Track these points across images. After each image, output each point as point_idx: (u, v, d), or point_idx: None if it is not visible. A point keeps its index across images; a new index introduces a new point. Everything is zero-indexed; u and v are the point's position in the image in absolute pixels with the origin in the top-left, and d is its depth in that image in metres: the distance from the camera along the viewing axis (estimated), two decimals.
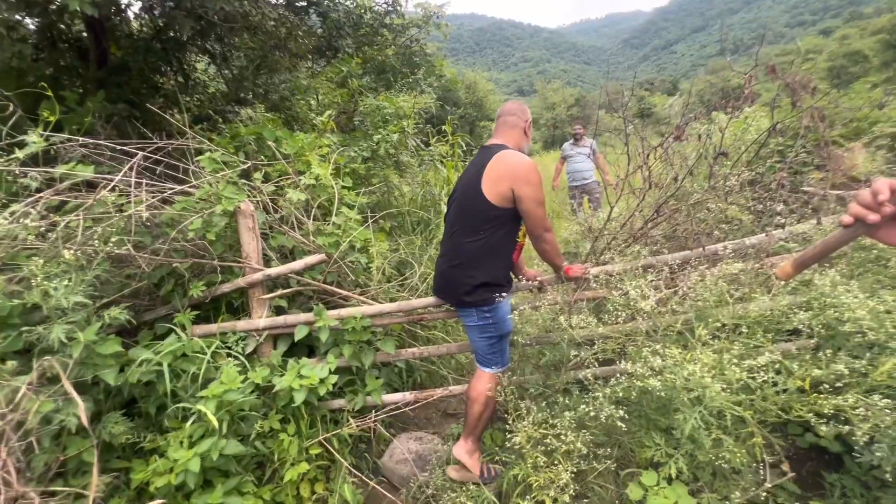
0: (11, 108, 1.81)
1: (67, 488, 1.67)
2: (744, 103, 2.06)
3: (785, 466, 1.63)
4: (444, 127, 6.65)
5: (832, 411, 1.52)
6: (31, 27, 4.06)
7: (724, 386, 1.48)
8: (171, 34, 4.40)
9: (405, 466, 2.44)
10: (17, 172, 1.84)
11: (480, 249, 2.02)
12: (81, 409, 1.42)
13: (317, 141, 3.10)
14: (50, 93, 1.92)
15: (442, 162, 5.18)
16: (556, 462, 1.87)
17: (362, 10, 6.48)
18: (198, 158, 2.20)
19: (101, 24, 4.09)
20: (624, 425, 1.65)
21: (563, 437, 1.77)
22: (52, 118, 1.85)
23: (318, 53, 6.24)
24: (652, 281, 1.92)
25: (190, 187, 2.19)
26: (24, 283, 1.69)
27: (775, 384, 1.61)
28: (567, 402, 1.93)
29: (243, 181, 2.33)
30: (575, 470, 1.81)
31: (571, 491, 1.73)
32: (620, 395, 1.72)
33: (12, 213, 1.72)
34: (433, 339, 3.07)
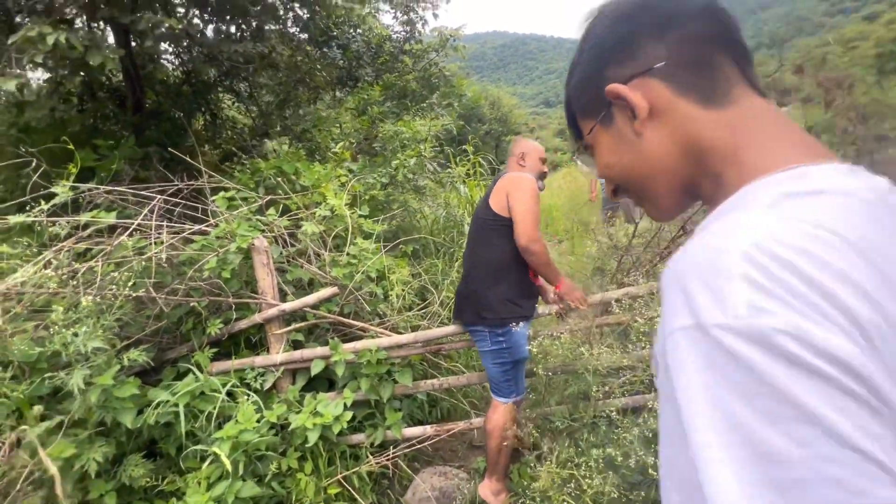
0: (35, 163, 1.91)
1: None
2: None
3: None
4: (465, 147, 6.65)
5: None
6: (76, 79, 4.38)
7: None
8: (202, 77, 4.64)
9: None
10: (45, 222, 1.93)
11: (496, 260, 2.10)
12: (57, 480, 1.42)
13: (332, 171, 3.13)
14: (71, 145, 2.02)
15: (464, 182, 5.14)
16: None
17: (382, 40, 6.66)
18: (212, 198, 2.25)
19: (137, 72, 4.37)
20: (655, 472, 1.49)
21: (588, 479, 1.63)
22: (73, 170, 1.94)
23: (340, 84, 6.44)
24: None
25: (207, 226, 2.24)
26: (51, 328, 1.74)
27: None
28: (593, 439, 1.79)
29: (258, 217, 2.36)
30: None
31: None
32: (650, 434, 1.57)
33: (37, 262, 1.80)
34: (455, 371, 2.97)
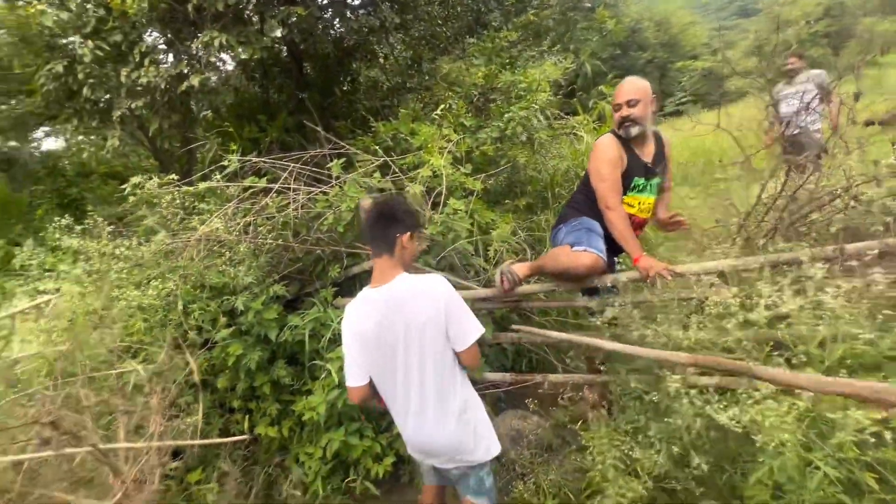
0: (209, 142, 2.59)
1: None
2: None
3: None
4: (602, 88, 6.07)
5: None
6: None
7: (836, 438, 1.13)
8: (343, 46, 5.21)
9: (505, 441, 2.59)
10: (222, 187, 2.62)
11: (580, 197, 2.45)
12: (193, 365, 2.01)
13: (438, 132, 3.32)
14: (231, 128, 2.64)
15: (594, 129, 4.77)
16: (636, 472, 1.75)
17: None
18: (328, 165, 2.68)
19: (298, 49, 5.14)
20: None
21: (640, 451, 1.64)
22: (234, 147, 2.56)
23: (469, 33, 6.40)
24: (782, 285, 1.52)
25: (329, 188, 2.71)
26: (222, 266, 2.45)
27: None
28: (649, 414, 1.75)
29: (365, 179, 2.73)
30: (651, 485, 1.66)
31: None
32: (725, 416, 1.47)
33: (219, 216, 2.49)
34: (546, 325, 3.05)
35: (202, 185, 2.52)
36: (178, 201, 2.57)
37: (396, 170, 2.84)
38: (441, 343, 1.54)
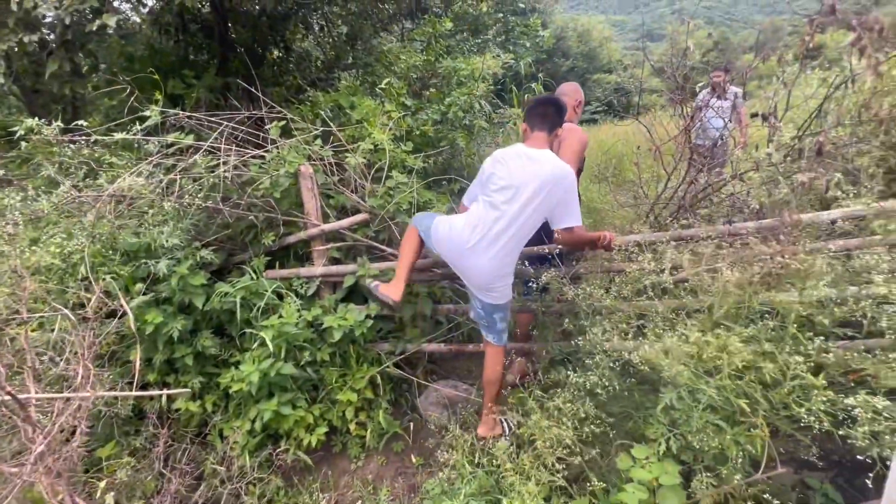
0: (130, 90, 2.32)
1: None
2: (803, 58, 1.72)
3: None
4: (534, 85, 6.41)
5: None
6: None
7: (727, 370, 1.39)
8: (276, 10, 4.90)
9: (437, 409, 2.71)
10: (140, 140, 2.37)
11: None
12: (129, 316, 1.85)
13: (380, 108, 3.30)
14: (157, 76, 2.40)
15: (517, 124, 5.05)
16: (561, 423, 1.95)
17: None
18: (267, 127, 2.56)
19: (223, 5, 4.72)
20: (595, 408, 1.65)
21: (565, 403, 1.84)
22: (159, 95, 2.33)
23: (409, 16, 6.38)
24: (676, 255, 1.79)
25: (264, 152, 2.58)
26: (143, 226, 2.23)
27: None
28: (575, 371, 1.96)
29: (306, 146, 2.64)
30: (573, 434, 1.87)
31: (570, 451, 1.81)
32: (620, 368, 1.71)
33: (135, 172, 2.25)
34: None
35: (118, 136, 2.26)
36: (84, 151, 2.27)
37: (341, 139, 2.78)
38: (536, 210, 1.96)
